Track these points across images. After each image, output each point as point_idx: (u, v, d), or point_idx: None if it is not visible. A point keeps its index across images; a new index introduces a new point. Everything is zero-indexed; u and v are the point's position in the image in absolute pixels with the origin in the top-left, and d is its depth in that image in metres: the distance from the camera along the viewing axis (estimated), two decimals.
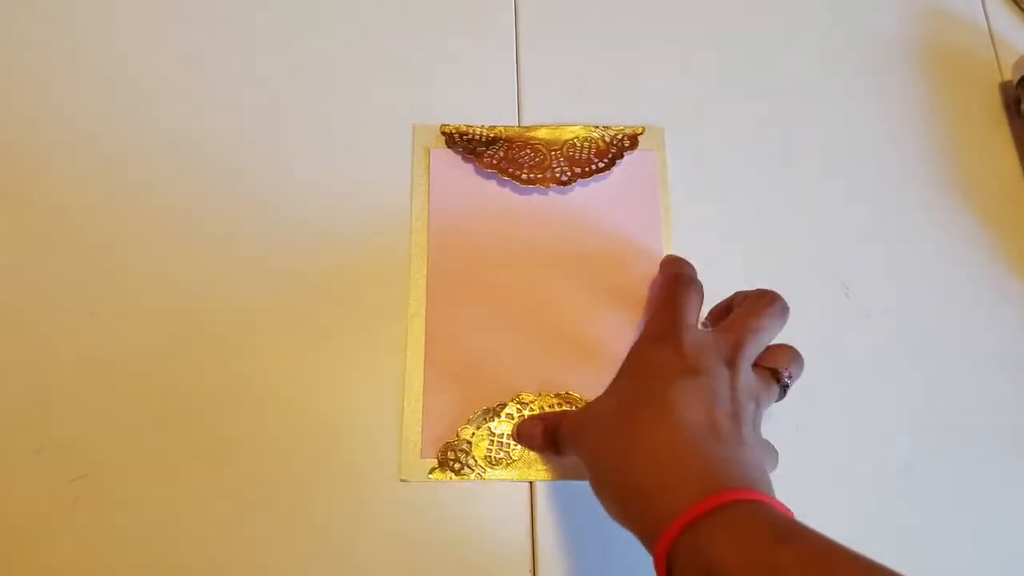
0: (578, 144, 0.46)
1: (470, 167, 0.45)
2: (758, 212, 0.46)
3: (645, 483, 0.29)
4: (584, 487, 0.34)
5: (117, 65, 0.48)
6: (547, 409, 0.40)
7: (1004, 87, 0.50)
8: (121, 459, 0.39)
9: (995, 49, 0.51)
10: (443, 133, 0.46)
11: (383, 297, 0.42)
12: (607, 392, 0.35)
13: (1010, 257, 0.46)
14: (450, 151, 0.45)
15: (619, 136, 0.46)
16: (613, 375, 0.36)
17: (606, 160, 0.45)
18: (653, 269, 0.43)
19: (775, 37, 0.51)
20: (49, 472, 0.38)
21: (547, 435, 0.37)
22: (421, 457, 0.39)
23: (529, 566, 0.38)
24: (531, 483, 0.39)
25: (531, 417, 0.39)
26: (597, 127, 0.46)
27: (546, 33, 0.50)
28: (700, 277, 0.40)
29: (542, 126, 0.46)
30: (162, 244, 0.43)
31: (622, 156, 0.45)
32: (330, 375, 0.41)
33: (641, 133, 0.46)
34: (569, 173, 0.45)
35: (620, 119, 0.47)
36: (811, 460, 0.40)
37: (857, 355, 0.43)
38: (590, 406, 0.35)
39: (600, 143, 0.46)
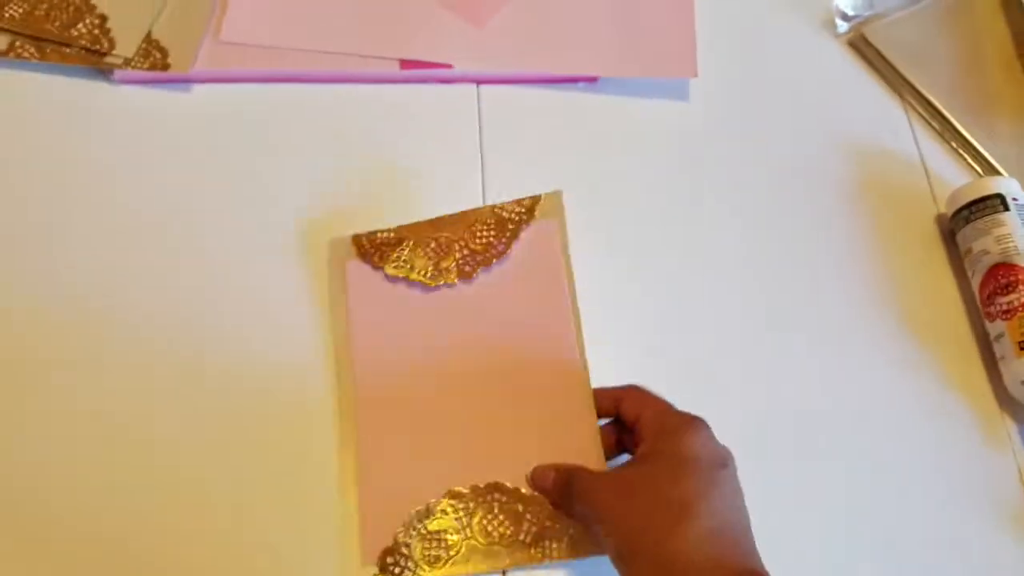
0: (478, 228, 0.44)
1: (379, 274, 0.44)
2: (692, 336, 0.47)
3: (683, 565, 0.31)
4: None
5: None
6: (479, 502, 0.40)
7: (940, 219, 0.52)
8: None
9: (930, 184, 0.53)
10: (355, 244, 0.44)
11: (307, 420, 0.42)
12: (634, 465, 0.36)
13: (948, 376, 0.47)
14: (362, 263, 0.44)
15: (516, 211, 0.44)
16: (538, 461, 0.39)
17: (504, 240, 0.43)
18: (563, 352, 0.41)
19: (721, 175, 0.52)
20: None
21: (560, 483, 0.38)
22: (362, 565, 0.39)
23: None
24: None
25: (546, 465, 0.39)
26: (495, 205, 0.44)
27: None
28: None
29: (446, 216, 0.44)
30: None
31: (518, 234, 0.43)
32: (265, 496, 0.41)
33: (538, 203, 0.44)
34: (472, 263, 0.43)
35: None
36: None
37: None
38: (620, 474, 0.36)
39: (498, 220, 0.44)
